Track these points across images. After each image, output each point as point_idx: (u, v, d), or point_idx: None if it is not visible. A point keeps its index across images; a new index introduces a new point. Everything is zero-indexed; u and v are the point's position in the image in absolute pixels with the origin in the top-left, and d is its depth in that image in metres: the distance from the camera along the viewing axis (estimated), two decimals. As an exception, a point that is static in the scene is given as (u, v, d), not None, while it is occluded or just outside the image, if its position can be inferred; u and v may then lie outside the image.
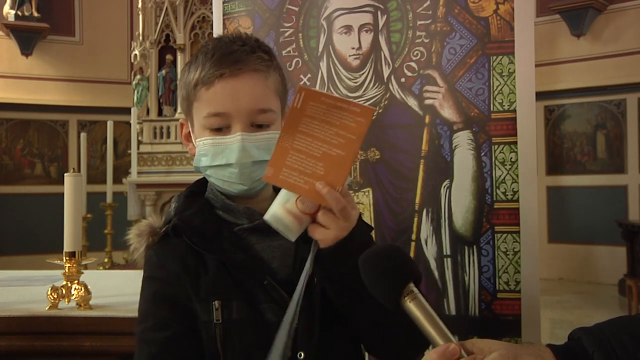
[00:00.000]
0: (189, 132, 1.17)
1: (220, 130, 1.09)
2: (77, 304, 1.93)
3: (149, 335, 1.06)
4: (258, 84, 1.08)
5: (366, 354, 1.34)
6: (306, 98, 0.94)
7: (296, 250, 1.11)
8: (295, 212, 0.98)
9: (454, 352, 0.76)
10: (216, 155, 1.09)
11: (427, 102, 1.64)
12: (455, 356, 0.76)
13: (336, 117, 0.96)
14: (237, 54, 1.08)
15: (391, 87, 1.68)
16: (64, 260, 1.97)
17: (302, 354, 1.04)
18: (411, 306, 0.81)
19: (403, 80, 1.67)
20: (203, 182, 1.20)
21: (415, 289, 0.83)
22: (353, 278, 0.94)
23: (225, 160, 1.08)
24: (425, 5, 1.64)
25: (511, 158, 1.55)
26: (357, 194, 1.70)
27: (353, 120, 0.96)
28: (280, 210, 0.98)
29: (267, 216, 0.99)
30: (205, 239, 1.08)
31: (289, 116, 0.96)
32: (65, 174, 2.00)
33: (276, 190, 1.18)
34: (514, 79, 1.55)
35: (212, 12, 1.95)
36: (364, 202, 1.70)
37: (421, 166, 1.64)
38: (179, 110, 7.22)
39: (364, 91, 1.70)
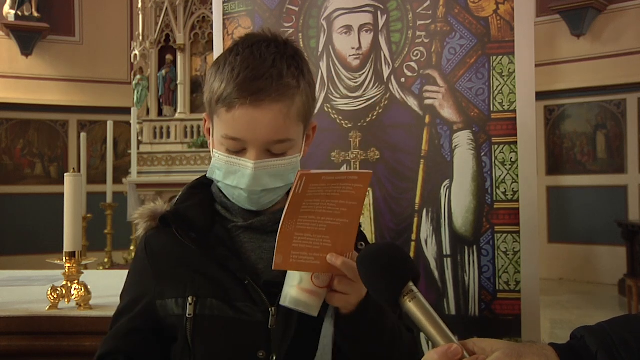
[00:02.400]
0: (210, 128, 1.15)
1: (234, 151, 1.08)
2: (77, 304, 1.93)
3: (118, 315, 1.15)
4: (279, 115, 1.04)
5: None
6: (307, 182, 0.92)
7: None
8: (312, 289, 0.97)
9: (456, 353, 0.75)
10: (228, 175, 1.09)
11: (427, 102, 1.64)
12: (457, 357, 0.75)
13: (336, 190, 0.95)
14: (262, 81, 1.02)
15: (391, 87, 1.68)
16: (64, 260, 1.97)
17: (275, 356, 1.04)
18: (411, 305, 0.80)
19: (403, 80, 1.67)
20: None
21: (414, 288, 0.82)
22: (372, 335, 1.00)
23: (236, 183, 1.08)
24: (425, 5, 1.64)
25: (511, 158, 1.55)
26: (357, 194, 1.70)
27: (352, 187, 0.95)
28: (296, 292, 0.98)
29: (285, 302, 0.98)
30: (194, 232, 1.09)
31: (291, 202, 0.93)
32: (65, 174, 2.00)
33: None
34: (514, 79, 1.55)
35: (212, 12, 1.95)
36: (364, 202, 1.70)
37: (421, 166, 1.64)
38: (179, 110, 7.23)
39: (364, 91, 1.70)
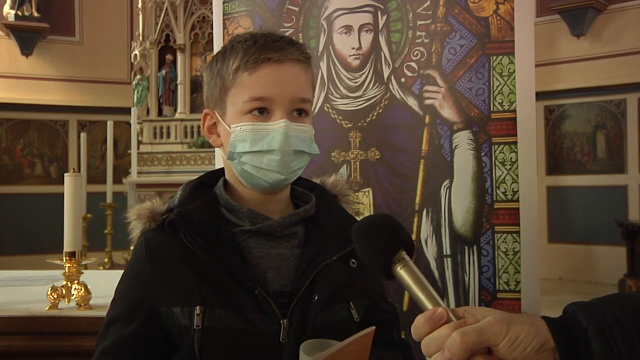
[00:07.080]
0: (214, 123, 1.13)
1: (260, 115, 1.06)
2: (77, 304, 1.93)
3: (110, 327, 1.05)
4: (301, 73, 1.09)
5: None
6: None
7: (298, 263, 1.07)
8: None
9: (440, 316, 0.75)
10: (256, 141, 1.05)
11: (427, 102, 1.64)
12: (441, 320, 0.75)
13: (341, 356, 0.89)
14: (280, 43, 1.07)
15: (391, 87, 1.68)
16: (64, 260, 1.97)
17: None
18: (402, 273, 0.80)
19: (403, 80, 1.67)
20: (214, 174, 1.17)
21: (406, 257, 0.81)
22: None
23: (267, 147, 1.05)
24: (425, 5, 1.64)
25: (511, 158, 1.55)
26: (357, 194, 1.70)
27: (358, 345, 0.88)
28: None
29: None
30: (202, 237, 1.04)
31: None
32: (65, 174, 2.00)
33: (292, 195, 1.16)
34: (514, 79, 1.55)
35: (212, 12, 1.95)
36: (364, 202, 1.70)
37: (421, 166, 1.64)
38: (179, 110, 7.22)
39: (364, 91, 1.70)
